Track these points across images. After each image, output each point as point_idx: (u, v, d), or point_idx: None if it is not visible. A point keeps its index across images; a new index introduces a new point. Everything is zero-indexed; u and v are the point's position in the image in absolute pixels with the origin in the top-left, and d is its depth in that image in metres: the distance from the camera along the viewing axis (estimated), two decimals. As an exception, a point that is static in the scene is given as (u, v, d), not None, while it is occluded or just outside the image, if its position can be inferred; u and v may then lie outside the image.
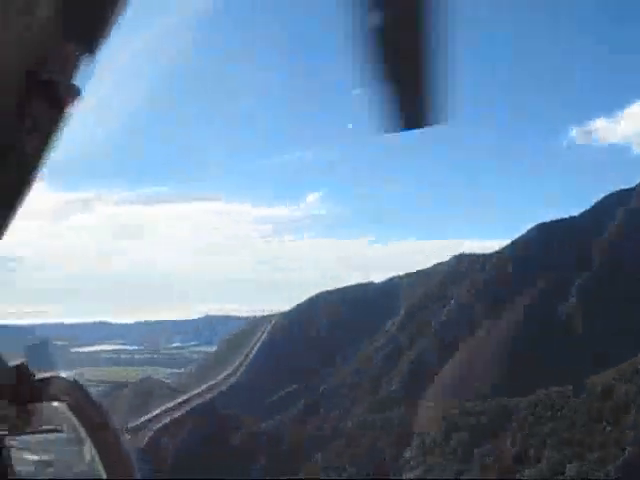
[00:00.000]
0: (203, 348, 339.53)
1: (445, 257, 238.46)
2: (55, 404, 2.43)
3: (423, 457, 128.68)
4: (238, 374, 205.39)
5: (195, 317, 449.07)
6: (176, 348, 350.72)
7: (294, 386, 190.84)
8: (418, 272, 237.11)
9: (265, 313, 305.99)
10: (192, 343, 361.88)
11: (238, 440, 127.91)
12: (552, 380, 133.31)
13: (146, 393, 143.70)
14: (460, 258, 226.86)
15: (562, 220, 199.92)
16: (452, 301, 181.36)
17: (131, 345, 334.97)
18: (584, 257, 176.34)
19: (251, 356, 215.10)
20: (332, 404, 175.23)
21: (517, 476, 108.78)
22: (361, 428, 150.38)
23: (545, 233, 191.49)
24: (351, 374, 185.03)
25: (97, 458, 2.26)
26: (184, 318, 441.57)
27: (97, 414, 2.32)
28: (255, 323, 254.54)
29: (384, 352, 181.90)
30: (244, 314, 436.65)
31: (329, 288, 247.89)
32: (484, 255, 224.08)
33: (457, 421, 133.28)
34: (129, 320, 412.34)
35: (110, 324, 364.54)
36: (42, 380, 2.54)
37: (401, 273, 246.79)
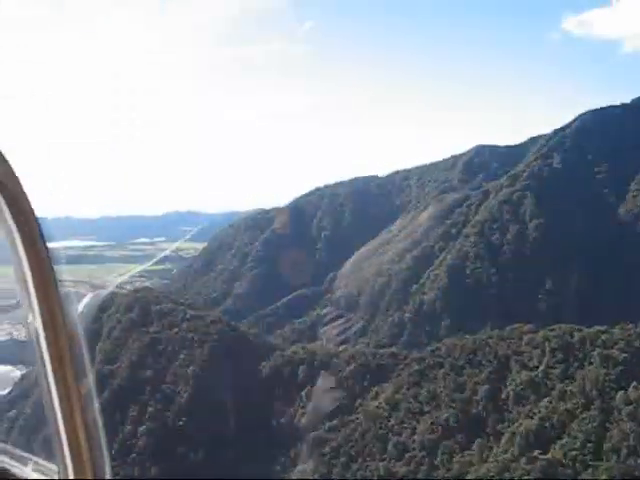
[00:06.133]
0: (172, 244, 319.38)
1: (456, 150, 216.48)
2: None
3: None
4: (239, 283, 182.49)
5: (161, 213, 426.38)
6: (144, 244, 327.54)
7: (297, 292, 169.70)
8: (429, 165, 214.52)
9: (243, 208, 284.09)
10: (160, 239, 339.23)
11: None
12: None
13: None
14: (480, 150, 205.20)
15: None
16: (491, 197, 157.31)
17: (98, 241, 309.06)
18: None
19: (247, 260, 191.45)
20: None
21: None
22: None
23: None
24: (366, 278, 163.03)
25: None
26: (150, 214, 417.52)
27: (22, 196, 1.99)
28: (239, 220, 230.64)
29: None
30: (212, 210, 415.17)
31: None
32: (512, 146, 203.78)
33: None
34: (94, 215, 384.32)
35: (72, 219, 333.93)
36: None
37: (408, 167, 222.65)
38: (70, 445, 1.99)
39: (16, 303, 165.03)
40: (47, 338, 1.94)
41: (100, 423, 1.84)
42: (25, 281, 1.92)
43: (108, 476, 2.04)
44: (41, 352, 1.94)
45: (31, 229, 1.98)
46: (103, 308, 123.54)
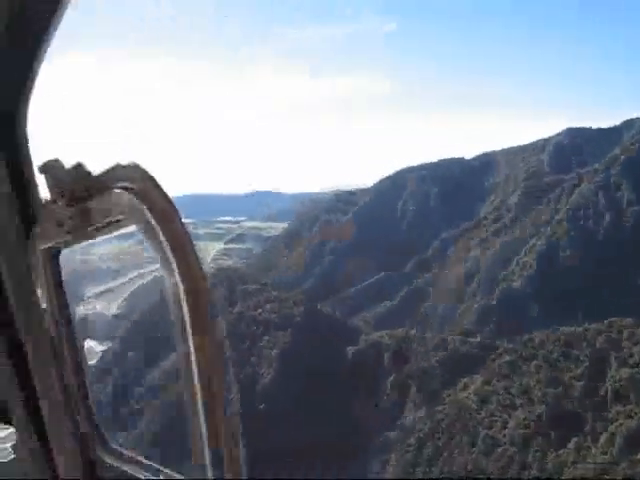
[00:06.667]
0: (254, 223, 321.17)
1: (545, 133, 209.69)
2: (117, 193, 2.19)
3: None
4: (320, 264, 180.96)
5: (244, 192, 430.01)
6: (227, 222, 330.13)
7: (380, 276, 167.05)
8: (516, 148, 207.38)
9: (325, 189, 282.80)
10: (242, 218, 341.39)
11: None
12: None
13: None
14: (570, 132, 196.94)
15: None
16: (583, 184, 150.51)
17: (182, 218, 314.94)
18: None
19: (329, 241, 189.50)
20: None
21: None
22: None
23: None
24: (452, 263, 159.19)
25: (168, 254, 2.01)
26: (234, 192, 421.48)
27: (169, 207, 2.07)
28: (324, 201, 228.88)
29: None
30: (294, 190, 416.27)
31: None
32: (605, 129, 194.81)
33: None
34: (177, 193, 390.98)
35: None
36: (101, 174, 2.30)
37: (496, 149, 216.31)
38: (210, 444, 1.99)
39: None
40: (196, 347, 1.95)
41: (238, 420, 1.92)
42: (179, 296, 1.96)
43: (244, 476, 2.05)
44: (188, 355, 1.94)
45: (181, 242, 2.03)
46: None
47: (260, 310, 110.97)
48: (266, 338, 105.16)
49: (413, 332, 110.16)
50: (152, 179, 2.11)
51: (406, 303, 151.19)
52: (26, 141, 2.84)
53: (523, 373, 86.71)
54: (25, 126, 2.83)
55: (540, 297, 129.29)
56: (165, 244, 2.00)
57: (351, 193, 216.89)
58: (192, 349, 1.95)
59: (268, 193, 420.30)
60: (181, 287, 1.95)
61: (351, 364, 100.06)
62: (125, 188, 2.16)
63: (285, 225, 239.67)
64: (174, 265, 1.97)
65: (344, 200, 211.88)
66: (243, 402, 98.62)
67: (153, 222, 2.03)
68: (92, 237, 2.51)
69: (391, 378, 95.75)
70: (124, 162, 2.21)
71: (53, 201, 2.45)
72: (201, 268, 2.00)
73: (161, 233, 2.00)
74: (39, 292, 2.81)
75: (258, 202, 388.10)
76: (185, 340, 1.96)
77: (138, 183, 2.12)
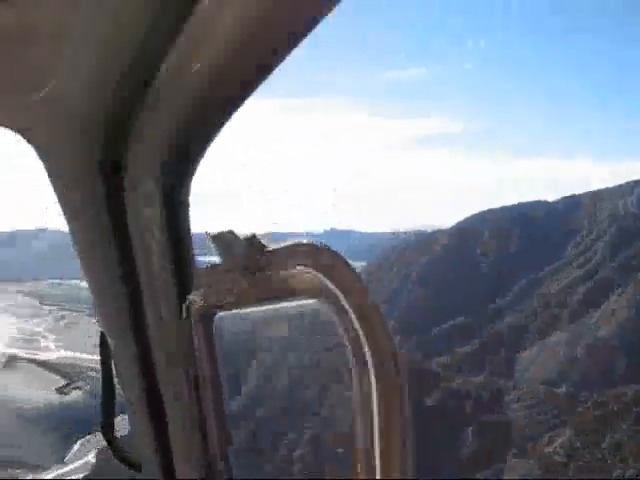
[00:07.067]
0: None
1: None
2: (297, 270, 2.17)
3: None
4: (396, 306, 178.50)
5: (321, 230, 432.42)
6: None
7: (459, 319, 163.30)
8: (603, 191, 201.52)
9: (402, 229, 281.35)
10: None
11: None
12: None
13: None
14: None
15: None
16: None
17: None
18: None
19: (407, 282, 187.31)
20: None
21: None
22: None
23: None
24: (534, 308, 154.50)
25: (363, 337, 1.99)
26: (306, 231, 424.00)
27: (358, 285, 2.05)
28: (403, 242, 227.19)
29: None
30: (368, 229, 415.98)
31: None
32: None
33: None
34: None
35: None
36: (278, 249, 2.31)
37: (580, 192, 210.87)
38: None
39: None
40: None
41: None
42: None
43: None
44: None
45: (373, 320, 2.00)
46: (263, 323, 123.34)
47: (341, 349, 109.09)
48: (347, 381, 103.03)
49: (494, 379, 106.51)
50: (338, 256, 2.08)
51: (487, 348, 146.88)
52: (187, 205, 2.61)
53: (615, 429, 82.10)
54: (188, 191, 2.58)
55: (631, 347, 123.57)
56: (355, 321, 1.97)
57: (430, 234, 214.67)
58: (378, 450, 1.86)
59: (344, 232, 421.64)
60: (372, 368, 1.91)
61: (430, 410, 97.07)
62: (304, 264, 2.12)
63: (363, 264, 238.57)
64: (365, 343, 1.95)
65: (423, 241, 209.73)
66: (323, 446, 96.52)
67: (341, 298, 1.99)
68: (257, 306, 2.48)
69: (472, 427, 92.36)
70: (304, 241, 2.18)
71: (226, 271, 2.43)
72: (394, 349, 1.98)
73: (350, 310, 1.97)
74: (190, 353, 2.69)
75: (335, 240, 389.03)
76: (370, 432, 1.88)
77: (321, 260, 2.07)
